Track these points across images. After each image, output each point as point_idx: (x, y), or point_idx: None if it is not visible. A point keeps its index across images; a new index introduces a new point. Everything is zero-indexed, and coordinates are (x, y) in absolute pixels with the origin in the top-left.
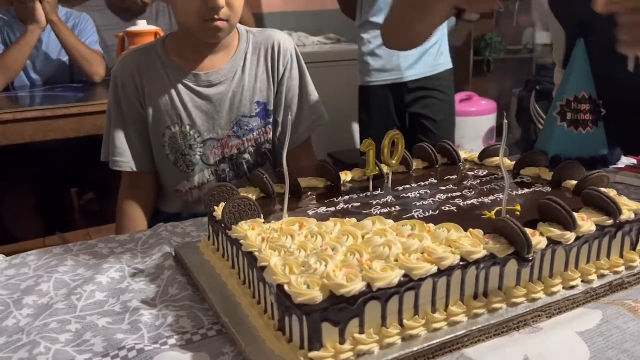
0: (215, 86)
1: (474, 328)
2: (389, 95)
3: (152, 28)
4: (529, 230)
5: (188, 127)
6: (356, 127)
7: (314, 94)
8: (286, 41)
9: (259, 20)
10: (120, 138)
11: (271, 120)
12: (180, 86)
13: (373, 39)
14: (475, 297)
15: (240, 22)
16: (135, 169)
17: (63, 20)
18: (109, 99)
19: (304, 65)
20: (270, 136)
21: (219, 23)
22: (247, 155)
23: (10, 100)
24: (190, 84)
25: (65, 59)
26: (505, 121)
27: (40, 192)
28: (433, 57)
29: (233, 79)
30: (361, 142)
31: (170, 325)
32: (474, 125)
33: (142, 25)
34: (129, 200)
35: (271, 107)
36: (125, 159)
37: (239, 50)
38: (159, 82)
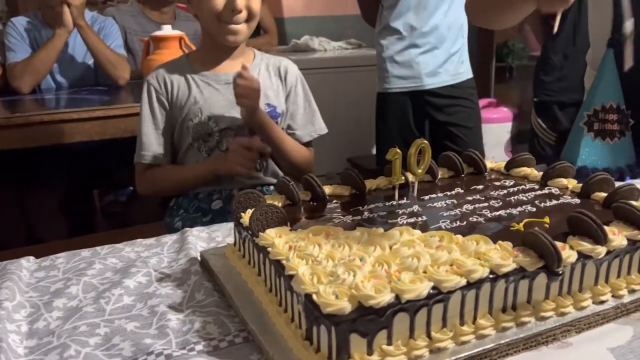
0: (232, 83)
1: (503, 342)
2: (407, 102)
3: (177, 33)
4: (558, 244)
5: (206, 118)
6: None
7: (316, 110)
8: (292, 65)
9: (280, 24)
10: (148, 135)
11: (278, 121)
12: (201, 84)
13: (392, 45)
14: (504, 310)
15: (262, 27)
16: (156, 162)
17: (89, 24)
18: (141, 104)
19: (307, 86)
20: None
21: (237, 26)
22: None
23: (37, 102)
24: (210, 82)
25: (90, 62)
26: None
27: (65, 194)
28: (454, 65)
29: None
30: (377, 149)
31: (197, 331)
32: (496, 132)
33: (167, 30)
34: (149, 171)
35: (279, 111)
36: (148, 152)
37: (254, 62)
38: (184, 84)
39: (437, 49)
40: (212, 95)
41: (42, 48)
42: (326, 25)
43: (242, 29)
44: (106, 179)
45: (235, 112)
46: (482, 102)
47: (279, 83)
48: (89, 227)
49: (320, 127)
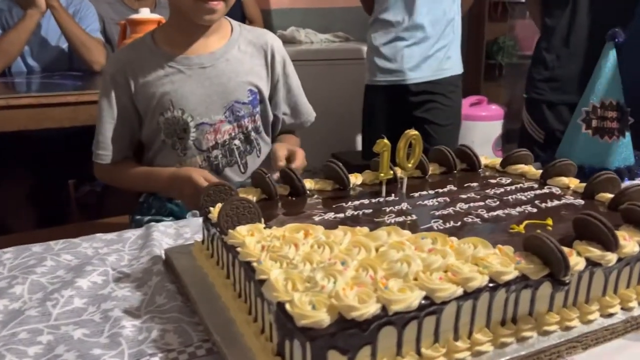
0: (207, 68)
1: (502, 359)
2: (390, 96)
3: (155, 16)
4: (564, 249)
5: (180, 112)
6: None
7: (303, 94)
8: (277, 41)
9: (266, 16)
10: (105, 132)
11: (259, 109)
12: (170, 71)
13: (380, 37)
14: (503, 323)
15: (248, 18)
16: (114, 161)
17: (64, 6)
18: (99, 95)
19: (292, 63)
20: (258, 124)
21: (213, 3)
22: (237, 142)
23: (6, 86)
24: (181, 68)
25: (65, 46)
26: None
27: (36, 183)
28: (439, 61)
29: (227, 62)
30: (363, 143)
31: (155, 341)
32: (484, 130)
33: (144, 13)
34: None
35: (260, 98)
36: (107, 152)
37: (232, 38)
38: (149, 72)
39: (422, 43)
40: (183, 84)
41: (12, 29)
42: (313, 18)
43: (220, 6)
44: (81, 169)
45: (212, 104)
46: (472, 99)
47: (262, 62)
48: (64, 218)
49: (310, 113)
